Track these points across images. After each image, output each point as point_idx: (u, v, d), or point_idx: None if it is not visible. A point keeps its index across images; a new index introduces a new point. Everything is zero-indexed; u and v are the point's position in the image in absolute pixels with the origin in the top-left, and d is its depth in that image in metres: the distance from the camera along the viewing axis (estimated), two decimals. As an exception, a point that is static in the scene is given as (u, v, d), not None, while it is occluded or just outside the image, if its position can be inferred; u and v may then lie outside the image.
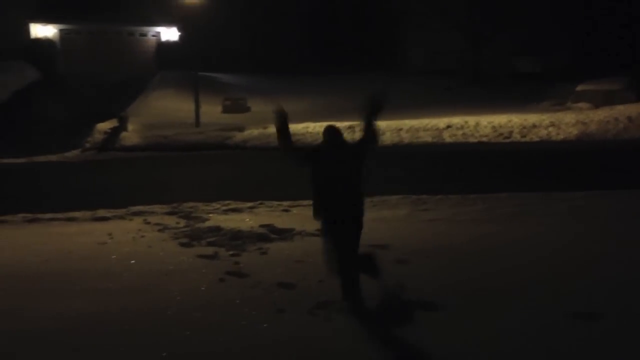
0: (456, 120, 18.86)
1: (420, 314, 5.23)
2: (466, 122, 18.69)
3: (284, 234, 8.12)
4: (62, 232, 8.53)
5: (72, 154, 17.09)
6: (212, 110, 21.91)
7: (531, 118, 18.88)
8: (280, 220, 8.92)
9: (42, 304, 5.57)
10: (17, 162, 15.59)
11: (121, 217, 9.46)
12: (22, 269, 6.73)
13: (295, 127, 18.38)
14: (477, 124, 18.51)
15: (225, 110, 22.86)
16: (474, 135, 18.05)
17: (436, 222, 8.91)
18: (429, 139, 17.99)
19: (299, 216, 9.40)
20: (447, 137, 18.08)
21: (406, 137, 18.08)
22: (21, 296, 5.83)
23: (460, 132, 18.29)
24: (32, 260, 7.05)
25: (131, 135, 18.21)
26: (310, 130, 18.21)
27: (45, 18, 31.34)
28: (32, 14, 30.79)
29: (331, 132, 5.97)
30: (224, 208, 9.95)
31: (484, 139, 17.76)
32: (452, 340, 4.73)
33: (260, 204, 10.22)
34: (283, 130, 5.97)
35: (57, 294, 5.84)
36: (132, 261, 6.95)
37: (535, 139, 17.70)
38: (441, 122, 18.77)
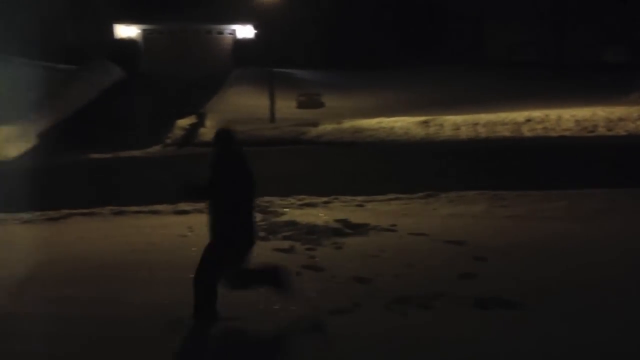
0: (536, 113, 18.25)
1: (499, 312, 5.13)
2: (547, 115, 18.06)
3: (359, 229, 8.14)
4: (146, 225, 8.88)
5: (154, 149, 17.74)
6: (287, 106, 22.17)
7: (618, 111, 18.00)
8: (355, 215, 8.95)
9: (130, 292, 5.83)
10: (104, 157, 16.34)
11: (200, 211, 9.70)
12: (113, 259, 7.08)
13: (368, 122, 18.38)
14: (559, 118, 17.84)
15: (300, 105, 23.07)
16: (555, 129, 17.41)
17: (515, 218, 8.68)
18: (507, 133, 17.50)
19: (374, 211, 9.40)
20: (526, 132, 17.53)
21: (483, 132, 17.67)
22: (114, 284, 6.12)
23: (541, 126, 17.69)
24: (120, 250, 7.41)
25: (209, 131, 18.67)
26: (383, 125, 18.13)
27: (129, 19, 32.65)
28: (117, 15, 32.14)
29: (226, 136, 5.22)
30: (299, 203, 10.08)
31: (567, 133, 17.09)
32: (531, 340, 4.61)
33: (335, 198, 10.27)
34: (192, 196, 5.57)
35: (144, 283, 6.11)
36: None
37: (622, 132, 16.86)
38: (520, 115, 18.21)
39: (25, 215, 9.43)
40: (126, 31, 33.29)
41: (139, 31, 33.45)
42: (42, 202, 9.82)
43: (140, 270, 6.58)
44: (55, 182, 12.58)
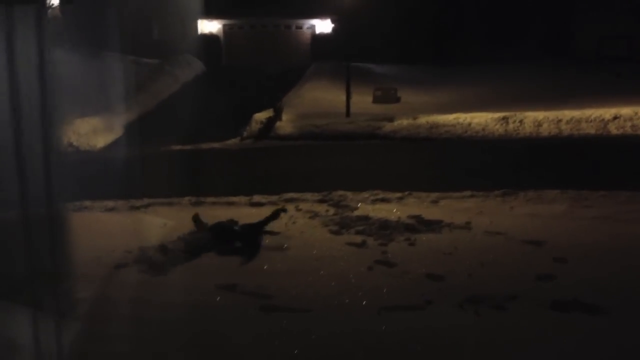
0: (625, 110, 17.36)
1: (578, 316, 4.93)
2: (637, 112, 17.15)
3: (432, 226, 8.02)
4: (222, 216, 9.06)
5: (232, 142, 18.17)
6: (363, 101, 22.13)
7: None
8: (429, 212, 8.82)
9: (210, 279, 6.02)
10: (184, 148, 16.89)
11: (274, 203, 9.88)
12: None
13: (445, 118, 18.07)
14: (650, 115, 16.92)
15: (376, 100, 22.98)
16: (645, 127, 16.54)
17: (599, 219, 8.29)
18: (593, 131, 16.77)
19: (448, 208, 9.23)
20: (613, 129, 16.73)
21: (566, 129, 17.01)
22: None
23: (630, 123, 16.84)
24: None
25: (285, 125, 18.94)
26: (460, 121, 17.78)
27: (211, 14, 33.55)
28: (200, 11, 33.08)
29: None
30: (373, 198, 10.03)
31: (658, 132, 16.19)
32: (611, 347, 4.40)
33: (409, 194, 10.16)
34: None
35: (222, 271, 6.29)
36: (285, 245, 7.26)
37: None
38: (607, 112, 17.38)
39: (110, 203, 9.88)
40: (208, 26, 34.21)
41: (220, 26, 34.30)
42: (126, 191, 10.25)
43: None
44: (138, 172, 13.11)
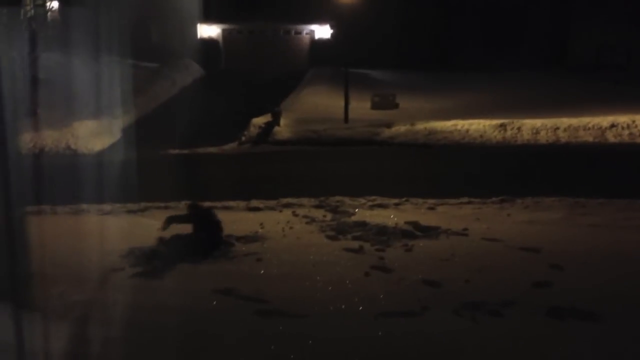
0: (623, 119, 17.40)
1: (574, 323, 4.92)
2: (634, 121, 17.19)
3: (429, 232, 8.01)
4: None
5: (230, 146, 18.13)
6: (361, 106, 22.13)
7: None
8: (426, 218, 8.82)
9: (206, 283, 6.00)
10: (182, 153, 16.86)
11: (272, 208, 9.88)
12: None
13: (443, 125, 18.07)
14: (647, 123, 16.96)
15: (374, 106, 22.97)
16: (642, 135, 16.57)
17: (596, 227, 8.30)
18: (590, 139, 16.80)
19: (445, 214, 9.24)
20: (611, 137, 16.77)
21: (564, 137, 17.03)
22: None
23: (627, 132, 16.88)
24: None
25: (283, 130, 18.93)
26: (458, 127, 17.79)
27: (210, 19, 33.57)
28: (200, 15, 33.10)
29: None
30: (370, 203, 10.03)
31: (655, 140, 16.23)
32: (604, 353, 4.40)
33: (406, 200, 10.17)
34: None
35: (219, 275, 6.27)
36: (281, 251, 7.24)
37: None
38: (605, 120, 17.42)
39: (107, 207, 9.85)
40: (208, 31, 34.22)
41: (220, 31, 34.31)
42: (122, 195, 10.23)
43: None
44: (135, 175, 13.07)
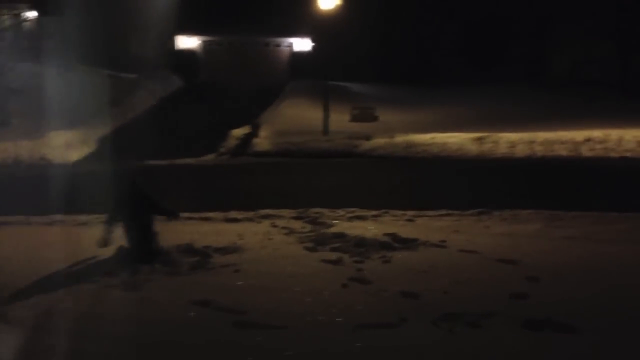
0: (597, 133, 17.68)
1: (550, 334, 4.95)
2: (608, 135, 17.47)
3: (408, 244, 8.04)
4: (197, 231, 9.01)
5: (208, 157, 18.05)
6: (341, 119, 22.21)
7: (684, 133, 17.24)
8: (405, 230, 8.85)
9: (184, 294, 5.93)
10: (159, 164, 16.73)
11: (250, 220, 9.83)
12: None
13: (422, 138, 18.20)
14: (621, 138, 17.22)
15: (354, 119, 23.07)
16: (616, 150, 16.83)
17: (571, 239, 8.40)
18: (565, 153, 17.03)
19: (424, 226, 9.27)
20: (585, 151, 17.01)
21: (539, 150, 17.24)
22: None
23: (601, 146, 17.14)
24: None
25: (262, 142, 18.90)
26: (436, 140, 17.92)
27: (189, 30, 33.52)
28: (179, 27, 33.04)
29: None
30: (349, 215, 10.03)
31: (628, 154, 16.49)
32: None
33: (385, 212, 10.19)
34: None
35: (197, 286, 6.20)
36: (260, 262, 7.20)
37: (688, 155, 16.15)
38: (580, 134, 17.68)
39: (83, 217, 9.72)
40: (187, 42, 34.15)
41: (199, 42, 34.27)
42: (98, 205, 10.09)
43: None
44: (110, 186, 12.91)
